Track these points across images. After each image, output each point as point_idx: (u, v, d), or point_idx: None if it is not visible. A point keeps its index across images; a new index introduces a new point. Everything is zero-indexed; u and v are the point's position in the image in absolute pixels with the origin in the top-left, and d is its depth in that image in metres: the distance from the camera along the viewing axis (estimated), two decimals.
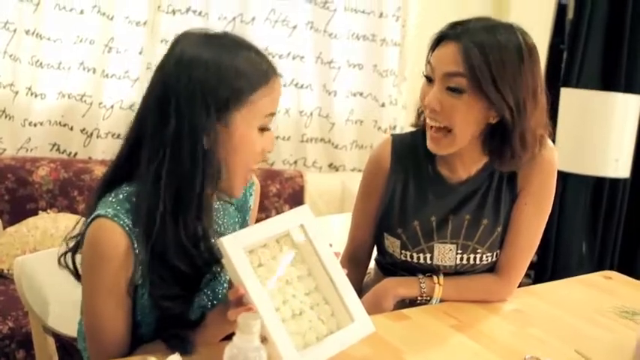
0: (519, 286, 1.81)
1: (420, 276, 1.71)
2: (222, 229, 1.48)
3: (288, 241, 1.33)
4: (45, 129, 3.08)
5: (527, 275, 3.82)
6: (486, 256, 1.72)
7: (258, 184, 1.65)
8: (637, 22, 3.66)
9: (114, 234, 1.26)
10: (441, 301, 1.71)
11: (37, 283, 1.61)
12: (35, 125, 3.05)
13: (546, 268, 3.76)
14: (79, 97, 3.09)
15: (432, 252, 1.71)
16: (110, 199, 1.30)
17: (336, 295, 1.32)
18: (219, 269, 1.37)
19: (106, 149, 3.14)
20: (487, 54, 1.49)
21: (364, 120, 3.59)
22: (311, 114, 3.48)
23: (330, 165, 3.60)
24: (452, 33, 1.54)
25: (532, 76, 1.54)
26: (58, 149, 3.13)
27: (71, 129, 3.12)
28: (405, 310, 1.64)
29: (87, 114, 3.11)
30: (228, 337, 1.11)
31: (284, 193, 3.18)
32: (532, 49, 1.55)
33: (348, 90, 3.53)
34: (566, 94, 3.46)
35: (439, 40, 1.58)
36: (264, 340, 1.15)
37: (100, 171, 2.93)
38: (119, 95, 3.14)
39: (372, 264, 1.93)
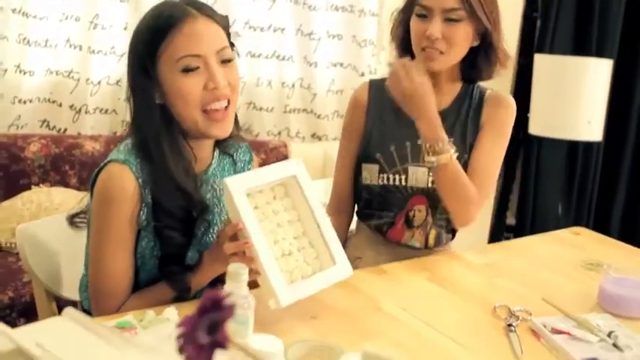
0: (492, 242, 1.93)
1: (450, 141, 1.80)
2: (219, 193, 1.59)
3: (282, 190, 1.48)
4: (34, 106, 3.14)
5: (506, 238, 3.96)
6: None
7: (257, 161, 1.77)
8: None
9: (124, 176, 1.40)
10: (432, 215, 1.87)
11: (39, 249, 1.71)
12: (25, 102, 3.11)
13: (524, 230, 3.87)
14: (67, 73, 3.15)
15: (406, 173, 1.88)
16: (121, 147, 1.45)
17: (321, 240, 1.47)
18: (210, 218, 1.51)
19: (94, 124, 3.23)
20: None
21: (345, 90, 3.66)
22: (293, 85, 3.56)
23: (313, 135, 3.69)
24: None
25: (498, 6, 1.84)
26: (47, 126, 3.20)
27: (60, 105, 3.19)
28: (383, 266, 1.76)
29: (75, 90, 3.18)
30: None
31: (269, 162, 3.21)
32: None
33: (329, 61, 3.60)
34: (540, 60, 3.55)
35: None
36: (255, 275, 1.33)
37: (90, 146, 3.02)
38: (106, 71, 3.21)
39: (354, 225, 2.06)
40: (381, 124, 1.93)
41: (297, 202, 1.49)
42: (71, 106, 3.20)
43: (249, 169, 1.69)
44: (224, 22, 1.48)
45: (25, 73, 3.08)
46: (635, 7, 3.84)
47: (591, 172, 3.97)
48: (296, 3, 3.46)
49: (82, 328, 0.96)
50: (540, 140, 3.74)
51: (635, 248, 2.04)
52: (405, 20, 1.87)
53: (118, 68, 3.21)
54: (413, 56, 1.85)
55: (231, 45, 1.49)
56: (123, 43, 3.19)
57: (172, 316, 1.28)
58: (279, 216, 1.46)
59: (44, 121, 3.19)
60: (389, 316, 1.48)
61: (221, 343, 0.65)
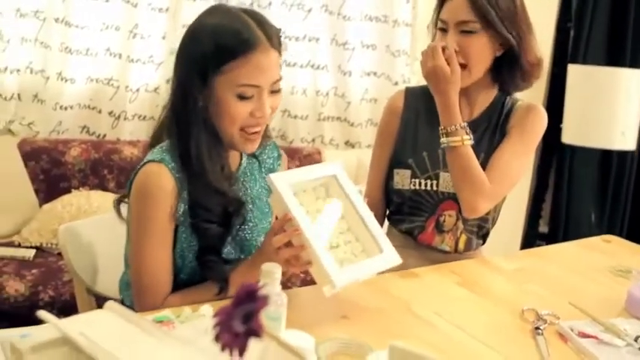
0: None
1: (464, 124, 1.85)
2: (250, 192, 1.65)
3: (323, 190, 1.55)
4: (75, 112, 3.22)
5: (538, 245, 3.95)
6: None
7: (285, 157, 1.80)
8: None
9: (162, 174, 1.45)
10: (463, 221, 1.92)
11: (81, 248, 1.78)
12: (66, 109, 3.19)
13: (557, 238, 3.87)
14: (107, 81, 3.23)
15: (437, 179, 1.92)
16: (156, 149, 1.50)
17: (366, 234, 1.52)
18: (244, 214, 1.56)
19: (133, 130, 3.30)
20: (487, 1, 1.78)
21: (378, 99, 3.70)
22: (327, 93, 3.61)
23: (347, 142, 3.72)
24: None
25: (523, 10, 1.85)
26: (87, 131, 3.27)
27: (99, 112, 3.26)
28: (414, 270, 1.79)
29: (114, 97, 3.25)
30: None
31: None
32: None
33: (362, 70, 3.64)
34: (574, 71, 3.56)
35: None
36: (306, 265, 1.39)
37: (128, 151, 3.10)
38: (144, 79, 3.28)
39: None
40: (414, 131, 1.97)
41: (339, 200, 1.55)
42: (110, 113, 3.27)
43: (278, 166, 1.75)
44: (282, 49, 1.51)
45: (66, 80, 3.16)
46: None
47: (625, 181, 3.96)
48: (330, 13, 3.51)
49: (124, 320, 1.01)
50: (573, 149, 3.74)
51: None
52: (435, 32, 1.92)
53: (156, 76, 3.29)
54: None
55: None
56: (161, 52, 3.28)
57: (207, 312, 1.33)
58: (323, 214, 1.51)
59: (84, 127, 3.27)
60: (418, 317, 1.51)
61: (255, 332, 0.69)
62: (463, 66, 1.82)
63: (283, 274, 1.24)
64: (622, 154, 3.86)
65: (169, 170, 1.45)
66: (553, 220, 4.02)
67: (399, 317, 1.50)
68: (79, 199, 2.86)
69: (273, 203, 1.47)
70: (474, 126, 1.90)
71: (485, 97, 1.96)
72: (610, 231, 3.87)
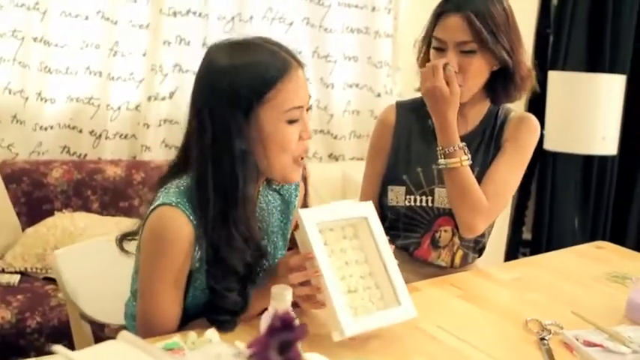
0: (515, 258, 1.95)
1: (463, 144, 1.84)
2: (267, 226, 1.61)
3: (351, 230, 1.52)
4: (55, 132, 3.19)
5: (522, 253, 3.98)
6: None
7: (303, 187, 1.75)
8: (619, 5, 3.79)
9: (177, 219, 1.38)
10: (459, 236, 1.90)
11: (75, 274, 1.74)
12: (46, 129, 3.16)
13: (540, 244, 3.90)
14: (87, 100, 3.20)
15: (432, 195, 1.91)
16: (172, 190, 1.42)
17: (387, 282, 1.49)
18: (266, 264, 1.51)
19: (114, 150, 3.27)
20: (485, 18, 1.77)
21: (361, 110, 3.72)
22: (310, 106, 3.58)
23: (330, 155, 3.73)
24: (452, 6, 1.80)
25: (515, 25, 1.84)
26: (68, 151, 3.24)
27: (80, 131, 3.23)
28: (415, 283, 1.78)
29: (95, 116, 3.22)
30: None
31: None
32: (509, 4, 1.85)
33: (345, 82, 3.65)
34: (554, 77, 3.59)
35: (439, 14, 1.82)
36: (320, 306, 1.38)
37: (111, 170, 3.06)
38: (125, 97, 3.26)
39: None
40: (407, 146, 1.95)
41: (365, 244, 1.52)
42: (91, 132, 3.24)
43: (295, 196, 1.70)
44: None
45: (46, 100, 3.13)
46: None
47: (606, 186, 4.00)
48: (312, 26, 3.52)
49: (138, 350, 0.98)
50: (555, 155, 3.77)
51: None
52: (426, 49, 1.90)
53: (137, 94, 3.27)
54: None
55: None
56: (142, 69, 3.25)
57: (214, 337, 1.31)
58: (347, 254, 1.49)
59: (64, 147, 3.23)
60: (426, 334, 1.50)
61: None
62: (460, 85, 1.80)
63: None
64: (603, 159, 3.89)
65: (187, 216, 1.38)
66: (536, 226, 4.04)
67: (407, 335, 1.48)
68: (63, 221, 2.82)
69: (298, 237, 1.44)
70: (468, 140, 1.89)
71: (479, 110, 1.95)
72: (593, 236, 3.92)
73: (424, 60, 1.92)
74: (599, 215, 4.03)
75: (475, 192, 1.82)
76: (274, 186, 1.64)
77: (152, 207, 1.41)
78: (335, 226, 1.49)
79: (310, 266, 1.39)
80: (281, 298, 1.18)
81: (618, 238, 3.91)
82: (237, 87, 1.38)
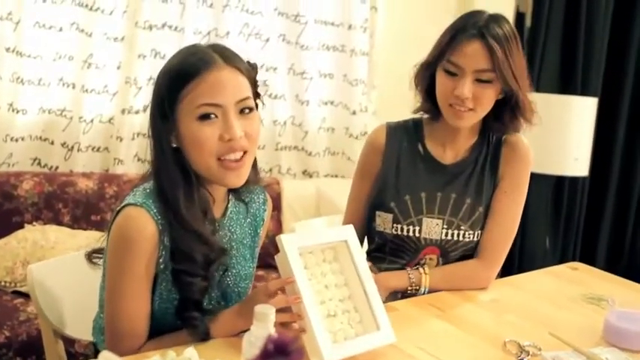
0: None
1: (408, 269, 1.86)
2: (235, 237, 1.60)
3: (331, 253, 1.52)
4: (26, 144, 3.14)
5: None
6: (469, 234, 1.89)
7: (270, 201, 1.75)
8: (591, 29, 3.84)
9: (142, 219, 1.39)
10: (430, 291, 1.86)
11: (49, 289, 1.70)
12: (17, 140, 3.11)
13: (513, 263, 3.91)
14: (60, 112, 3.17)
15: (420, 225, 1.89)
16: (138, 192, 1.44)
17: (366, 306, 1.49)
18: (227, 262, 1.53)
19: (86, 162, 3.23)
20: (504, 47, 1.72)
21: (336, 128, 3.71)
22: (284, 123, 3.60)
23: (304, 172, 3.71)
24: (473, 31, 1.74)
25: (522, 55, 1.81)
26: (39, 163, 3.19)
27: (52, 143, 3.19)
28: (393, 303, 1.77)
29: (67, 128, 3.18)
30: None
31: None
32: (517, 34, 1.80)
33: (320, 99, 3.65)
34: None
35: (460, 39, 1.76)
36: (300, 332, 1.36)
37: (83, 183, 3.02)
38: (98, 109, 3.22)
39: None
40: (396, 172, 1.92)
41: (345, 267, 1.52)
42: (63, 144, 3.20)
43: (264, 211, 1.70)
44: (251, 73, 1.47)
45: (17, 111, 3.08)
46: (617, 47, 3.94)
47: (577, 207, 4.04)
48: (288, 43, 3.52)
49: None
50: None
51: (632, 282, 2.07)
52: (431, 73, 1.85)
53: (111, 106, 3.24)
54: (436, 104, 1.86)
55: (257, 95, 1.49)
56: (116, 82, 3.22)
57: (193, 355, 1.28)
58: (326, 278, 1.49)
59: (35, 159, 3.19)
60: (406, 354, 1.48)
61: None
62: (470, 110, 1.78)
63: None
64: (574, 180, 3.93)
65: (151, 216, 1.39)
66: None
67: (384, 354, 1.48)
68: (33, 234, 2.77)
69: (279, 261, 1.43)
70: (458, 168, 1.90)
71: (470, 138, 1.93)
72: (563, 256, 3.95)
73: (425, 81, 1.88)
74: (569, 235, 4.07)
75: (461, 272, 1.89)
76: (242, 197, 1.64)
77: (118, 208, 1.42)
78: (315, 249, 1.49)
79: (290, 291, 1.38)
80: (264, 318, 1.17)
81: (588, 259, 3.95)
82: (159, 90, 1.43)
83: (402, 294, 1.86)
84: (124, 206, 1.41)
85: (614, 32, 3.95)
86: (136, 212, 1.39)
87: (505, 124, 1.88)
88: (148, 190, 1.44)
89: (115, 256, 1.42)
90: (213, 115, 1.39)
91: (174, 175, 1.42)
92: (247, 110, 1.44)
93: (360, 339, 1.45)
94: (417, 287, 1.84)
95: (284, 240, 1.41)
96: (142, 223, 1.39)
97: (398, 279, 1.84)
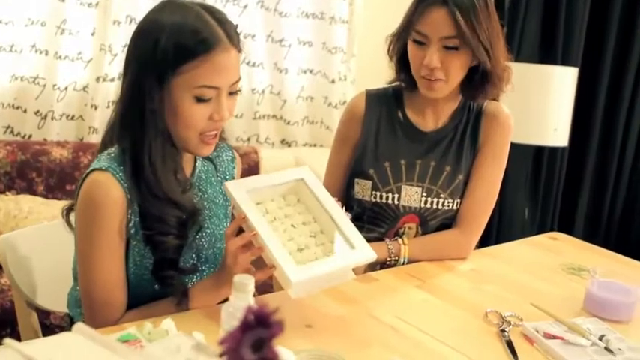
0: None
1: (387, 240, 1.84)
2: (206, 196, 1.58)
3: (294, 198, 1.50)
4: None
5: None
6: (448, 202, 1.88)
7: (239, 159, 1.73)
8: None
9: (108, 183, 1.36)
10: (409, 262, 1.84)
11: (22, 259, 1.67)
12: None
13: (491, 233, 3.91)
14: (32, 79, 3.10)
15: (399, 193, 1.87)
16: (103, 157, 1.41)
17: (340, 233, 1.47)
18: (201, 222, 1.50)
19: (60, 131, 3.18)
20: (469, 12, 1.70)
21: (315, 96, 3.68)
22: (263, 91, 3.55)
23: (283, 141, 3.68)
24: (438, 0, 1.73)
25: (496, 22, 1.79)
26: (12, 132, 3.13)
27: (25, 111, 3.13)
28: (373, 273, 1.76)
29: (40, 96, 3.12)
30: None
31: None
32: (491, 1, 1.78)
33: (299, 67, 3.61)
34: None
35: (424, 7, 1.75)
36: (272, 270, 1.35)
37: (57, 152, 2.96)
38: (72, 77, 3.16)
39: None
40: (375, 139, 1.90)
41: (310, 206, 1.51)
42: (36, 112, 3.14)
43: (233, 168, 1.68)
44: (241, 47, 1.43)
45: None
46: (598, 17, 3.92)
47: (556, 177, 4.04)
48: (267, 10, 3.46)
49: (94, 342, 0.93)
50: None
51: (612, 252, 2.08)
52: (402, 44, 1.84)
53: (85, 74, 3.18)
54: (411, 75, 1.84)
55: None
56: (90, 48, 3.16)
57: (170, 327, 1.25)
58: (292, 219, 1.47)
59: (8, 127, 3.13)
60: (384, 323, 1.47)
61: None
62: (441, 80, 1.77)
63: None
64: (553, 151, 3.93)
65: (117, 180, 1.37)
66: None
67: (364, 324, 1.47)
68: (7, 204, 2.72)
69: (234, 211, 1.41)
70: (438, 136, 1.89)
71: (451, 106, 1.91)
72: (542, 226, 3.96)
73: (398, 51, 1.87)
74: (548, 206, 4.08)
75: (440, 243, 1.88)
76: (209, 155, 1.60)
77: (84, 175, 1.40)
78: (275, 196, 1.48)
79: (247, 229, 1.37)
80: (243, 288, 1.14)
81: (566, 229, 3.97)
82: (157, 49, 1.34)
83: (381, 265, 1.85)
84: (89, 172, 1.39)
85: (595, 1, 3.92)
86: (101, 176, 1.37)
87: (477, 90, 1.85)
88: (112, 155, 1.41)
89: (83, 223, 1.39)
90: (209, 97, 1.37)
91: (153, 136, 1.38)
92: (236, 90, 1.43)
93: (332, 258, 1.43)
94: (397, 258, 1.83)
95: (229, 186, 1.41)
96: (108, 187, 1.36)
97: (377, 250, 1.81)
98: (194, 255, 1.52)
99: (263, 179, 1.49)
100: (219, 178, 1.64)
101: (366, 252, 1.46)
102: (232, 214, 1.62)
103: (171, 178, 1.42)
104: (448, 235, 1.89)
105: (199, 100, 1.36)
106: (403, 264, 1.84)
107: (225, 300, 1.19)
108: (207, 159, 1.62)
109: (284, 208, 1.48)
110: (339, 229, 1.47)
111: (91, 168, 1.39)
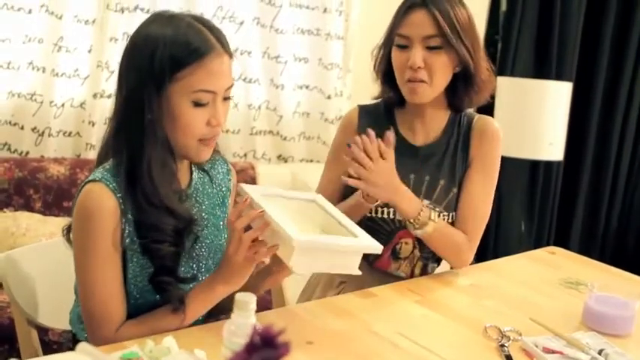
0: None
1: (425, 201, 1.85)
2: (204, 207, 1.59)
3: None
4: None
5: None
6: (444, 215, 1.88)
7: (234, 171, 1.74)
8: (566, 13, 3.85)
9: (101, 193, 1.38)
10: (420, 249, 1.88)
11: (22, 277, 1.67)
12: None
13: (488, 247, 3.92)
14: (29, 96, 3.09)
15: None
16: (98, 170, 1.43)
17: (345, 231, 1.51)
18: (197, 231, 1.51)
19: (57, 148, 3.17)
20: (449, 12, 1.77)
21: (311, 112, 3.68)
22: (259, 107, 3.56)
23: (279, 156, 3.69)
24: (417, 2, 1.79)
25: (475, 30, 1.84)
26: (8, 149, 3.12)
27: (22, 128, 3.12)
28: (371, 289, 1.76)
29: (37, 113, 3.11)
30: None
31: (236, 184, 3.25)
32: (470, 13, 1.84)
33: (295, 83, 3.62)
34: (502, 83, 3.61)
35: (403, 12, 1.80)
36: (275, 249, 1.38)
37: (54, 169, 2.96)
38: (69, 94, 3.16)
39: None
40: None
41: (321, 222, 1.55)
42: (34, 129, 3.13)
43: (229, 180, 1.69)
44: (232, 54, 1.47)
45: None
46: (592, 32, 3.96)
47: (552, 191, 4.06)
48: (263, 26, 3.47)
49: None
50: (502, 160, 3.79)
51: (609, 266, 2.09)
52: (386, 54, 1.86)
53: (82, 91, 3.17)
54: (398, 90, 1.85)
55: None
56: (87, 65, 3.16)
57: (172, 345, 1.26)
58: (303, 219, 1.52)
59: (5, 144, 3.12)
60: (384, 339, 1.48)
61: None
62: (424, 82, 1.79)
63: None
64: (549, 165, 3.95)
65: (110, 189, 1.38)
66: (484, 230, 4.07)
67: (364, 340, 1.47)
68: (5, 220, 2.71)
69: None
70: (430, 150, 1.89)
71: (440, 119, 1.92)
72: (538, 240, 3.97)
73: (383, 65, 1.89)
74: (544, 219, 4.09)
75: (456, 238, 1.86)
76: (203, 167, 1.63)
77: (79, 188, 1.41)
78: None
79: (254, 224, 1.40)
80: (245, 306, 1.15)
81: (562, 242, 3.98)
82: (154, 60, 1.37)
83: (404, 226, 1.85)
84: (83, 185, 1.41)
85: (588, 17, 3.96)
86: (94, 187, 1.39)
87: (461, 98, 1.88)
88: (106, 167, 1.43)
89: (78, 233, 1.41)
90: (206, 102, 1.40)
91: (152, 145, 1.40)
92: (229, 95, 1.46)
93: (337, 236, 1.48)
94: (420, 225, 1.79)
95: (245, 186, 1.46)
96: (101, 197, 1.38)
97: (410, 202, 1.79)
98: (194, 265, 1.53)
99: (276, 190, 1.54)
100: (215, 190, 1.64)
101: (372, 243, 1.49)
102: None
103: (168, 187, 1.44)
104: (462, 237, 1.87)
105: (197, 104, 1.39)
106: (420, 235, 1.81)
107: (226, 317, 1.19)
108: (203, 170, 1.63)
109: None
110: (347, 228, 1.51)
111: (85, 180, 1.41)
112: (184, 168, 1.55)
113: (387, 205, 1.86)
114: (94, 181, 1.39)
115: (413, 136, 1.92)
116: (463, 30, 1.77)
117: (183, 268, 1.49)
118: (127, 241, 1.41)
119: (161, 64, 1.36)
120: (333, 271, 1.51)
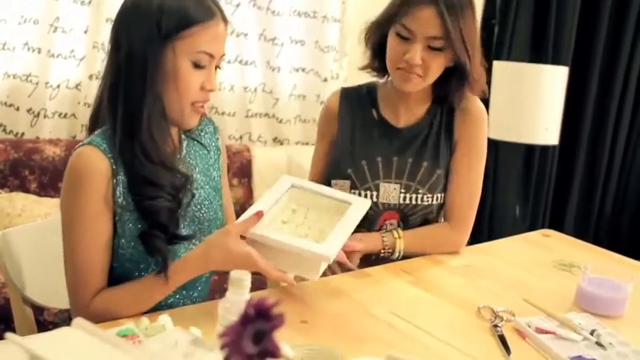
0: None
1: (382, 232, 1.86)
2: (198, 169, 1.60)
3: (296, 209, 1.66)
4: None
5: None
6: (427, 197, 1.89)
7: (220, 129, 1.75)
8: None
9: (91, 155, 1.38)
10: (403, 257, 1.86)
11: (18, 256, 1.67)
12: None
13: (482, 230, 3.94)
14: (25, 77, 3.09)
15: (377, 190, 1.89)
16: (90, 137, 1.43)
17: (329, 202, 1.67)
18: (192, 188, 1.52)
19: (53, 129, 3.17)
20: (457, 15, 1.72)
21: (307, 95, 3.69)
22: (255, 90, 3.56)
23: (275, 139, 3.69)
24: None
25: (476, 24, 1.81)
26: (4, 130, 3.12)
27: (17, 109, 3.12)
28: (365, 269, 1.77)
29: (33, 94, 3.11)
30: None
31: (232, 166, 3.26)
32: (473, 2, 1.81)
33: (291, 66, 3.62)
34: (498, 67, 3.62)
35: (414, 1, 1.74)
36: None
37: (49, 150, 2.97)
38: (65, 75, 3.16)
39: None
40: (351, 137, 1.92)
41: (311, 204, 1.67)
42: (29, 110, 3.13)
43: (217, 139, 1.70)
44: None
45: None
46: (589, 16, 3.95)
47: (547, 175, 4.07)
48: (259, 8, 3.46)
49: (94, 337, 0.94)
50: (498, 144, 3.81)
51: (602, 249, 2.10)
52: (383, 33, 1.84)
53: (78, 72, 3.17)
54: (384, 64, 1.85)
55: None
56: (83, 46, 3.15)
57: (167, 322, 1.27)
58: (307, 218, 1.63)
59: (0, 125, 3.12)
60: (378, 319, 1.49)
61: (272, 353, 0.64)
62: (418, 76, 1.78)
63: None
64: (544, 149, 3.96)
65: (101, 151, 1.38)
66: (478, 213, 4.07)
67: (359, 320, 1.48)
68: (0, 201, 2.72)
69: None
70: (413, 131, 1.90)
71: (424, 102, 1.93)
72: (533, 223, 3.99)
73: (376, 41, 1.87)
74: (538, 203, 4.11)
75: (432, 235, 1.91)
76: (192, 136, 1.63)
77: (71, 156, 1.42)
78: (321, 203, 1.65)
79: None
80: (239, 284, 1.15)
81: (557, 226, 3.99)
82: (162, 15, 1.38)
83: (376, 257, 1.86)
84: (76, 148, 1.41)
85: (585, 2, 3.96)
86: (84, 150, 1.39)
87: (451, 91, 1.87)
88: (97, 132, 1.44)
89: (66, 197, 1.40)
90: (204, 65, 1.43)
91: (152, 102, 1.39)
92: (220, 65, 1.49)
93: (340, 224, 1.56)
94: (390, 251, 1.84)
95: (283, 177, 1.66)
96: (91, 159, 1.37)
97: (371, 240, 1.83)
98: (191, 224, 1.54)
99: (315, 185, 1.73)
100: (206, 152, 1.65)
101: (363, 202, 1.62)
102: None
103: (165, 144, 1.45)
104: (441, 228, 1.92)
105: (196, 66, 1.41)
106: (398, 258, 1.85)
107: (221, 295, 1.20)
108: (192, 138, 1.63)
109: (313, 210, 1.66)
110: (330, 198, 1.65)
111: (75, 147, 1.42)
112: (174, 134, 1.55)
113: (370, 189, 1.88)
114: (83, 144, 1.40)
115: (395, 118, 1.93)
116: (467, 35, 1.74)
117: (184, 230, 1.49)
118: (120, 200, 1.40)
119: (169, 20, 1.37)
120: (293, 272, 1.52)
